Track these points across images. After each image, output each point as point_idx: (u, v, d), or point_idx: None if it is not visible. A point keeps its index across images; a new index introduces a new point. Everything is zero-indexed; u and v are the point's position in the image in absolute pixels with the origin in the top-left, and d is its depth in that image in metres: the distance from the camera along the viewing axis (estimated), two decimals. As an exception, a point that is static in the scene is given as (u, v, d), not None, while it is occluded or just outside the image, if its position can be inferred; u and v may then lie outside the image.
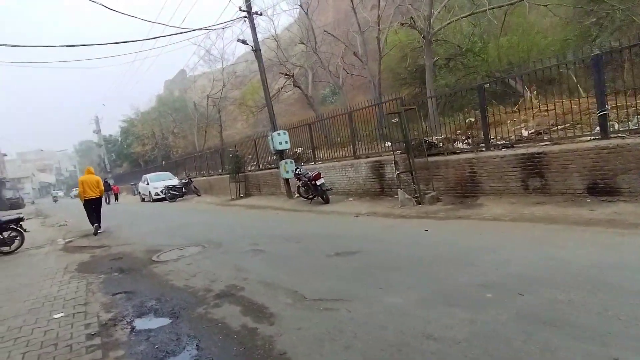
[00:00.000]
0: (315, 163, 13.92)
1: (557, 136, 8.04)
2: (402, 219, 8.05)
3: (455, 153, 9.75)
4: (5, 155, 55.94)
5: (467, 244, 5.39)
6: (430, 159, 9.70)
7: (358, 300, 3.86)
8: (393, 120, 9.67)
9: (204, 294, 4.60)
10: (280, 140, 13.47)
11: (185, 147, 35.08)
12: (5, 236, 9.57)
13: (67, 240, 10.78)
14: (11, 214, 11.73)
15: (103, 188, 11.69)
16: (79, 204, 12.41)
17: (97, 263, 7.20)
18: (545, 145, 8.05)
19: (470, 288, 3.85)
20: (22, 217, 9.97)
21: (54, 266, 7.32)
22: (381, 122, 15.53)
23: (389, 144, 13.52)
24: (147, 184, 22.97)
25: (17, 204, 40.63)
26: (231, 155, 16.82)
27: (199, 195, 21.33)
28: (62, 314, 4.48)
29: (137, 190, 33.79)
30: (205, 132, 25.14)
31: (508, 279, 3.92)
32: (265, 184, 16.21)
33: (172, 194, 20.59)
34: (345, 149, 13.31)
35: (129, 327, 3.95)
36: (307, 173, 12.11)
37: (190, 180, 21.58)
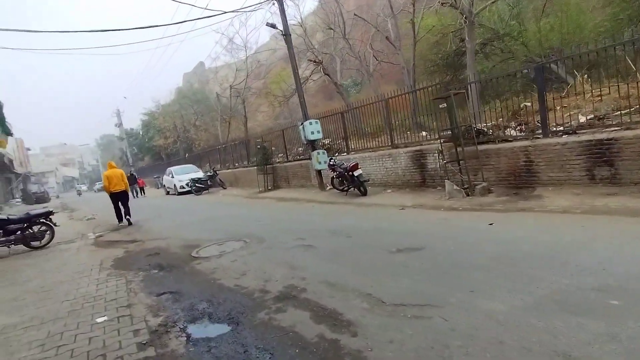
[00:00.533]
0: (347, 154, 13.30)
1: (629, 120, 7.25)
2: (454, 212, 7.39)
3: (506, 141, 9.01)
4: (29, 149, 56.92)
5: (548, 239, 4.72)
6: (480, 147, 8.97)
7: (450, 306, 3.27)
8: (440, 106, 8.95)
9: (261, 296, 4.08)
10: (312, 129, 12.89)
11: (207, 140, 34.87)
12: (36, 230, 9.29)
13: (97, 234, 10.47)
14: (40, 208, 11.50)
15: (127, 181, 11.79)
16: (102, 198, 12.68)
17: (133, 259, 6.78)
18: (615, 130, 7.26)
19: (584, 292, 3.21)
20: (52, 211, 9.69)
21: (88, 262, 6.94)
22: (415, 110, 14.85)
23: (424, 133, 12.85)
24: (172, 177, 22.75)
25: (42, 198, 41.23)
26: (258, 147, 16.33)
27: (225, 188, 20.99)
28: (105, 318, 4.02)
29: (161, 183, 33.92)
30: (229, 123, 24.73)
31: (628, 281, 3.27)
32: (294, 175, 15.69)
33: (198, 187, 20.28)
34: (378, 139, 12.66)
35: (184, 335, 3.45)
36: (343, 164, 11.52)
37: (216, 173, 21.23)
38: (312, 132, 12.88)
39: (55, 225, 9.63)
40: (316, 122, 13.03)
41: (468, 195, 8.62)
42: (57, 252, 8.40)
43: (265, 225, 8.22)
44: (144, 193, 27.11)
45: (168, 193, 24.18)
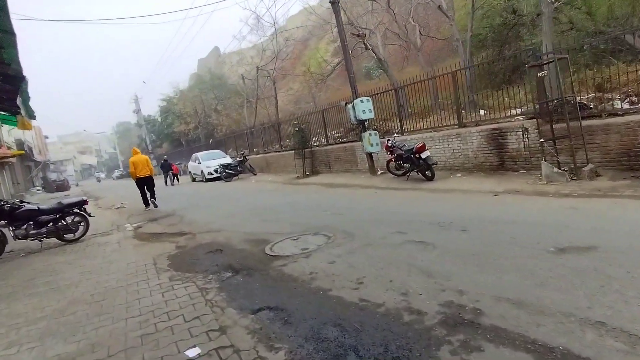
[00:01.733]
0: (401, 134, 11.95)
1: None
2: (572, 199, 6.06)
3: (615, 115, 7.57)
4: (47, 137, 56.58)
5: None
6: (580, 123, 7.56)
7: None
8: (540, 74, 7.52)
9: (417, 320, 2.84)
10: (364, 108, 11.54)
11: (229, 125, 33.70)
12: (69, 222, 8.22)
13: (135, 225, 9.39)
14: (70, 197, 10.45)
15: (152, 167, 11.84)
16: (124, 185, 12.52)
17: (191, 257, 5.62)
18: None
19: None
20: (86, 200, 8.59)
21: (138, 260, 5.80)
22: (472, 86, 13.38)
23: (482, 112, 11.41)
24: (199, 163, 21.66)
25: (62, 186, 40.81)
26: (296, 129, 15.05)
27: (255, 174, 19.83)
28: (198, 351, 2.83)
29: (186, 170, 32.98)
30: (256, 106, 23.45)
31: None
32: (336, 160, 14.41)
33: (228, 173, 19.17)
34: (437, 118, 11.25)
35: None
36: (404, 145, 10.20)
37: (245, 158, 20.08)
38: (364, 111, 11.54)
39: (90, 215, 8.55)
40: (367, 100, 11.67)
41: (572, 179, 7.26)
42: (96, 247, 7.30)
43: (339, 215, 6.97)
44: (178, 180, 24.48)
45: (194, 180, 23.16)
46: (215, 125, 34.71)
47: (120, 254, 6.45)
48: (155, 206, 11.65)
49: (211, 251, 5.74)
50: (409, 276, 3.68)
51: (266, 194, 12.14)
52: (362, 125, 11.83)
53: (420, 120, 12.02)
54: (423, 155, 9.27)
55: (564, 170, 7.44)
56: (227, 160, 21.15)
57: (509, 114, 9.97)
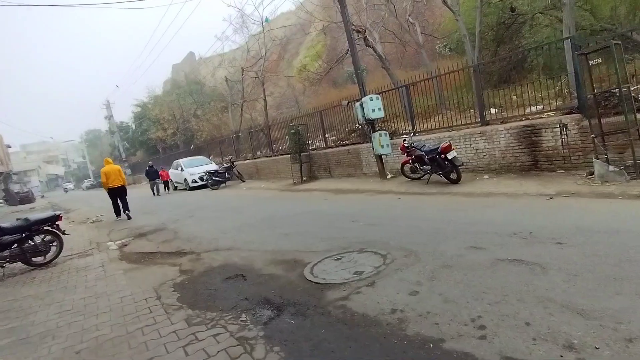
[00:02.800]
0: (415, 134, 10.96)
1: None
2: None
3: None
4: (9, 147, 53.08)
5: None
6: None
7: None
8: (593, 62, 6.65)
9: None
10: (373, 106, 10.49)
11: (209, 131, 32.12)
12: (39, 242, 6.77)
13: (119, 242, 7.96)
14: (40, 211, 8.91)
15: (124, 177, 11.69)
16: (95, 195, 12.44)
17: (206, 286, 4.36)
18: None
19: None
20: (59, 215, 7.13)
21: (134, 292, 4.49)
22: (479, 85, 12.60)
23: (493, 110, 10.62)
24: (181, 170, 20.10)
25: (27, 198, 38.06)
26: (292, 132, 13.86)
27: (244, 181, 18.50)
28: None
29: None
30: (242, 109, 22.08)
31: None
32: (338, 163, 13.29)
33: (215, 181, 17.75)
34: (434, 118, 10.37)
35: None
36: (423, 145, 9.21)
37: (233, 164, 18.69)
38: (374, 110, 10.49)
39: (64, 233, 7.10)
40: (377, 98, 10.64)
41: (633, 177, 6.40)
42: (74, 274, 5.89)
43: (374, 227, 5.83)
44: (169, 189, 21.60)
45: (176, 188, 21.56)
46: (195, 130, 33.04)
47: (107, 283, 5.09)
48: (129, 217, 11.41)
49: (230, 277, 4.50)
50: (552, 315, 2.58)
51: (268, 202, 10.88)
52: (371, 125, 10.77)
53: (426, 119, 11.12)
54: (449, 156, 8.28)
55: (620, 168, 6.57)
56: (213, 166, 19.72)
57: (529, 111, 9.17)
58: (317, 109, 14.42)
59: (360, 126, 11.34)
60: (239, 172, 18.75)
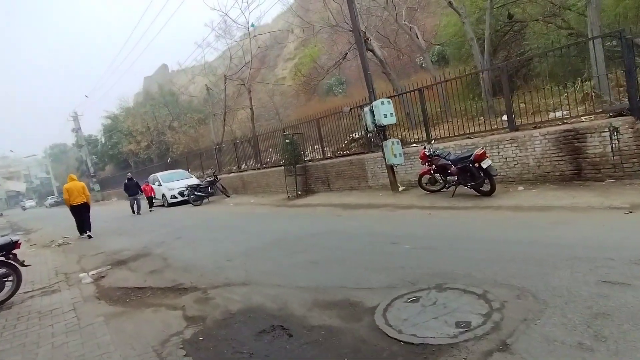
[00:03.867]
0: (431, 142, 9.97)
1: None
2: None
3: None
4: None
5: None
6: None
7: None
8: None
9: None
10: (385, 111, 9.43)
11: (186, 143, 30.42)
12: (-12, 276, 5.24)
13: (93, 272, 6.44)
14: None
15: (88, 194, 11.34)
16: (60, 213, 12.67)
17: (234, 347, 3.04)
18: None
19: None
20: (18, 241, 5.61)
21: (125, 355, 3.12)
22: (488, 91, 11.85)
23: (505, 117, 9.82)
24: (159, 184, 18.40)
25: (-17, 218, 34.97)
26: (287, 141, 12.63)
27: (228, 196, 17.02)
28: None
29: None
30: (224, 119, 20.64)
31: None
32: (339, 175, 12.12)
33: (198, 196, 16.20)
34: (443, 124, 9.47)
35: None
36: (448, 154, 8.19)
37: (217, 178, 17.20)
38: (385, 115, 9.42)
39: (22, 265, 5.57)
40: (389, 102, 9.59)
41: None
42: (36, 321, 4.41)
43: (431, 251, 4.64)
44: (152, 206, 17.78)
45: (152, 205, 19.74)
46: (171, 143, 31.24)
47: (84, 339, 3.67)
48: (90, 237, 11.01)
49: (265, 331, 3.19)
50: None
51: (268, 220, 9.55)
52: (382, 132, 9.70)
53: (433, 127, 10.22)
54: (484, 165, 7.26)
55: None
56: (194, 180, 18.16)
57: (554, 116, 8.38)
58: (312, 117, 13.25)
59: (370, 133, 10.22)
60: (223, 187, 17.28)
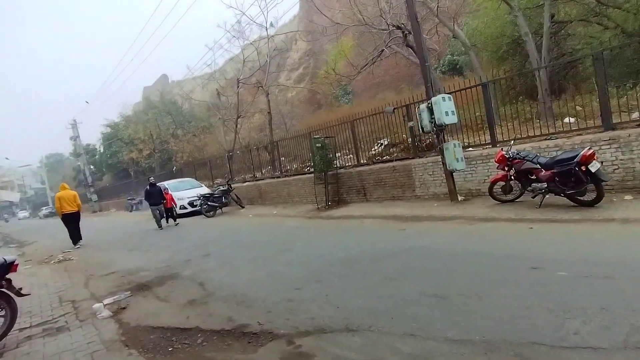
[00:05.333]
0: (493, 145, 8.67)
1: None
2: None
3: None
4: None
5: None
6: None
7: None
8: None
9: None
10: (447, 108, 8.11)
11: (190, 152, 29.07)
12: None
13: (108, 300, 4.97)
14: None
15: (80, 203, 11.37)
16: (56, 224, 12.31)
17: None
18: None
19: None
20: (13, 263, 4.15)
21: None
22: (546, 90, 10.66)
23: (571, 119, 8.56)
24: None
25: (-28, 229, 33.14)
26: (318, 146, 11.26)
27: (243, 207, 15.57)
28: None
29: (133, 205, 27.45)
30: (236, 125, 19.30)
31: None
32: (378, 184, 10.74)
33: (211, 206, 14.75)
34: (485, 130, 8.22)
35: None
36: (536, 156, 6.86)
37: (230, 187, 15.77)
38: (447, 113, 8.11)
39: (19, 294, 4.12)
40: (449, 99, 8.28)
41: None
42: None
43: (608, 282, 3.25)
44: (175, 218, 14.66)
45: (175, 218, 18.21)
46: (175, 152, 29.84)
47: None
48: (78, 247, 11.05)
49: None
50: None
51: (311, 234, 8.12)
52: (441, 133, 8.37)
53: (476, 133, 8.96)
54: (592, 168, 5.92)
55: None
56: (205, 189, 16.74)
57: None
58: (347, 119, 11.91)
59: (430, 133, 8.79)
60: (237, 196, 15.84)
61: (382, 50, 12.05)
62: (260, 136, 23.67)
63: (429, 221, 7.36)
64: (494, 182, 7.59)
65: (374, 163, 11.25)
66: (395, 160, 10.59)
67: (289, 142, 15.03)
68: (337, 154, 12.54)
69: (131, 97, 72.23)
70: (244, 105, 20.98)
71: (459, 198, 8.63)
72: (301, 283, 4.45)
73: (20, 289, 4.16)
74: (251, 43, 19.10)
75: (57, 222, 11.55)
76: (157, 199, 13.51)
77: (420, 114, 8.52)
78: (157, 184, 18.70)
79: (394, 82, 24.15)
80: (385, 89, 24.34)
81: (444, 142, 8.36)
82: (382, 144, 13.26)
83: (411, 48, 11.86)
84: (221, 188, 15.77)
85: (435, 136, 8.50)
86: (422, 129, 8.60)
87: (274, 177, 15.41)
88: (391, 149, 11.47)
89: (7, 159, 52.55)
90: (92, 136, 66.11)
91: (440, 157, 8.58)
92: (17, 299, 4.15)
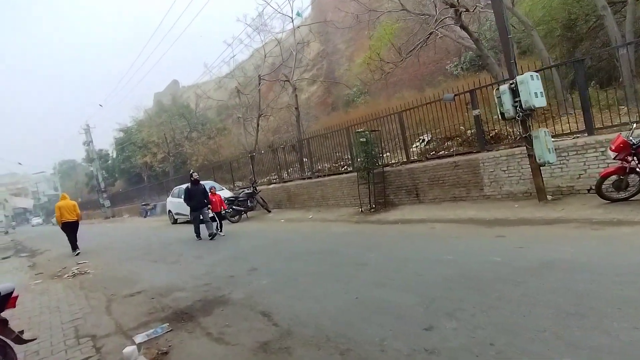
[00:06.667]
0: (589, 133, 7.22)
1: None
2: None
3: None
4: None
5: None
6: None
7: None
8: None
9: None
10: (536, 89, 6.70)
11: (205, 155, 27.92)
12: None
13: (143, 341, 3.63)
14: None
15: (79, 212, 11.52)
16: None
17: None
18: None
19: None
20: (11, 293, 2.83)
21: None
22: (632, 72, 9.21)
23: None
24: (186, 198, 15.65)
25: (-13, 235, 32.37)
26: (362, 140, 9.90)
27: (269, 211, 14.26)
28: None
29: (147, 210, 26.32)
30: (258, 124, 18.00)
31: None
32: (434, 183, 9.33)
33: (236, 210, 13.46)
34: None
35: None
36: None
37: (256, 190, 14.47)
38: (536, 94, 6.70)
39: (20, 340, 2.79)
40: (537, 77, 6.86)
41: None
42: None
43: None
44: (221, 227, 10.88)
45: (176, 221, 16.99)
46: (190, 155, 28.73)
47: None
48: (77, 254, 11.05)
49: None
50: None
51: (372, 242, 6.71)
52: (528, 118, 6.95)
53: (547, 121, 7.42)
54: None
55: None
56: (227, 193, 15.46)
57: None
58: (393, 111, 10.51)
59: (514, 119, 7.27)
60: (263, 200, 14.53)
61: (431, 33, 10.65)
62: (275, 138, 22.46)
63: (526, 225, 5.93)
64: (604, 176, 6.14)
65: (427, 159, 9.84)
66: (456, 154, 9.17)
67: (319, 139, 13.67)
68: (396, 147, 11.03)
69: (142, 102, 71.79)
70: (265, 103, 19.75)
71: (548, 197, 7.18)
72: (426, 318, 3.07)
73: (22, 332, 2.85)
74: (274, 37, 17.84)
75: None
76: (200, 201, 10.30)
77: (501, 97, 7.10)
78: (176, 187, 17.62)
79: (412, 81, 22.82)
80: (403, 88, 23.03)
81: (531, 129, 6.94)
82: (423, 140, 11.89)
83: (464, 29, 10.47)
84: (246, 191, 14.47)
85: (520, 123, 7.05)
86: (503, 114, 7.18)
87: (304, 178, 14.06)
88: (446, 143, 10.06)
89: (20, 164, 52.01)
90: (104, 142, 65.68)
91: (515, 148, 7.20)
92: (15, 347, 2.84)
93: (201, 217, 10.31)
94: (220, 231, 10.68)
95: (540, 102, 6.77)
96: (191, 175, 10.70)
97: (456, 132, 9.87)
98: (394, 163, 10.68)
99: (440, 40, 12.98)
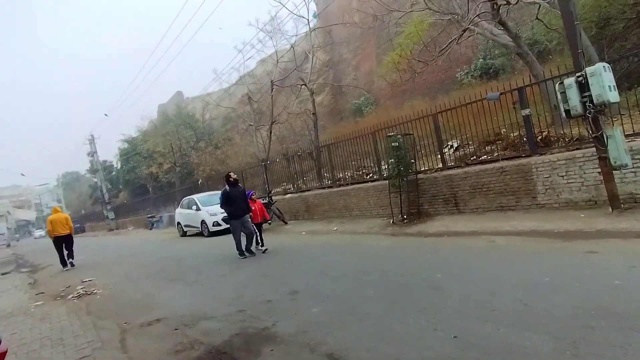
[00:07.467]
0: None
1: None
2: None
3: None
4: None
5: None
6: None
7: None
8: None
9: None
10: (609, 82, 5.86)
11: (213, 165, 27.13)
12: None
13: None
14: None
15: (72, 225, 11.43)
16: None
17: None
18: None
19: None
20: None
21: None
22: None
23: None
24: (197, 209, 14.78)
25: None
26: (394, 144, 9.04)
27: (286, 223, 13.37)
28: None
29: (153, 222, 25.46)
30: (270, 132, 17.17)
31: None
32: (476, 191, 8.43)
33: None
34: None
35: None
36: None
37: (272, 200, 13.61)
38: (610, 88, 5.85)
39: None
40: (609, 69, 6.02)
41: None
42: None
43: None
44: (261, 240, 8.83)
45: (185, 234, 16.10)
46: (197, 165, 27.97)
47: None
48: (72, 265, 11.15)
49: None
50: None
51: (425, 262, 5.79)
52: (600, 116, 6.08)
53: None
54: None
55: None
56: (241, 204, 14.55)
57: None
58: (427, 113, 9.65)
59: (583, 116, 6.37)
60: (279, 210, 13.66)
61: (465, 30, 9.86)
62: (282, 148, 21.66)
63: (614, 238, 5.02)
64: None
65: (467, 165, 8.96)
66: (502, 159, 8.28)
67: (342, 145, 12.72)
68: (432, 152, 10.05)
69: (146, 114, 71.57)
70: (276, 110, 18.96)
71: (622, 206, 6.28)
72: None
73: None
74: (288, 40, 17.13)
75: (76, 241, 10.54)
76: (241, 207, 8.30)
77: (564, 92, 6.25)
78: (186, 198, 16.78)
79: (421, 89, 22.23)
80: (411, 97, 22.40)
81: (604, 128, 6.06)
82: (451, 146, 11.05)
83: (502, 25, 9.68)
84: (262, 201, 13.59)
85: (591, 121, 6.16)
86: (568, 112, 6.31)
87: (324, 187, 13.17)
88: (486, 147, 9.19)
89: (23, 175, 51.42)
90: (108, 154, 65.22)
91: (575, 151, 6.32)
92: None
93: (243, 228, 8.26)
94: (262, 245, 8.72)
95: (615, 96, 5.91)
96: (229, 177, 8.55)
97: (496, 135, 9.01)
98: (427, 170, 9.80)
99: (457, 45, 12.17)
